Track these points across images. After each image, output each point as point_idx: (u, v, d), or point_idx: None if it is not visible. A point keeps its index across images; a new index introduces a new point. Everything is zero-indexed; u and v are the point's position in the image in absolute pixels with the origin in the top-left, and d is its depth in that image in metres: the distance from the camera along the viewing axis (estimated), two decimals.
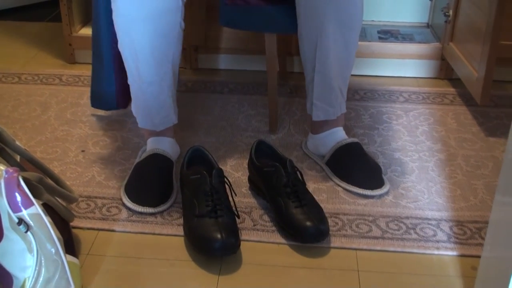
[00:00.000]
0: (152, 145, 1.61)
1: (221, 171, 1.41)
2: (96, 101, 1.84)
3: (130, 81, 1.56)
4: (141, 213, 1.46)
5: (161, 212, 1.47)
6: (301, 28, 1.58)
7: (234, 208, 1.38)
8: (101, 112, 1.93)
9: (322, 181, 1.60)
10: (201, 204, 1.34)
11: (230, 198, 1.40)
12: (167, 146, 1.61)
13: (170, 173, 1.56)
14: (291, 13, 1.62)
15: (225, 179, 1.41)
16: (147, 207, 1.46)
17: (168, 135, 1.64)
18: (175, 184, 1.55)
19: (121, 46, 1.51)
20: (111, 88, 1.77)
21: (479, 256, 1.18)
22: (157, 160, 1.55)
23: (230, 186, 1.42)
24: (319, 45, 1.54)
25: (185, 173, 1.45)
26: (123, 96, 1.82)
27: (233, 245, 1.30)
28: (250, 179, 1.57)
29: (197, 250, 1.32)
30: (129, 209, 1.47)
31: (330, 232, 1.39)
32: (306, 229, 1.34)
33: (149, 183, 1.50)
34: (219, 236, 1.28)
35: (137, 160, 1.61)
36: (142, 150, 1.67)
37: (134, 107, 1.60)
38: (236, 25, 1.78)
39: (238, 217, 1.39)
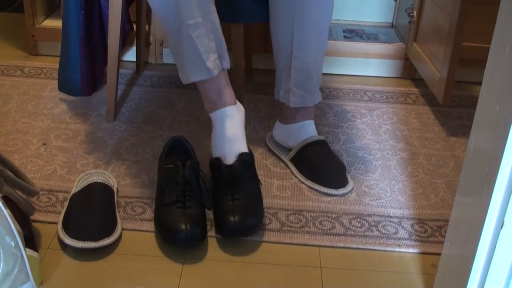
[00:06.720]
0: (219, 121, 1.46)
1: (196, 163, 1.41)
2: (63, 85, 1.84)
3: (171, 34, 1.43)
4: (82, 248, 1.28)
5: (105, 246, 1.31)
6: (275, 15, 1.58)
7: (204, 201, 1.39)
8: (63, 105, 1.90)
9: (286, 178, 1.61)
10: (171, 194, 1.35)
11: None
12: (236, 117, 1.46)
13: (111, 203, 1.42)
14: (261, 1, 1.63)
15: (200, 172, 1.42)
16: (89, 242, 1.29)
17: (230, 102, 1.47)
18: (118, 216, 1.41)
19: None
20: (76, 75, 1.77)
21: (439, 254, 1.20)
22: (95, 190, 1.42)
23: (203, 179, 1.42)
24: (296, 31, 1.54)
25: (161, 162, 1.47)
26: (88, 83, 1.81)
27: (197, 237, 1.31)
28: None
29: (162, 239, 1.34)
30: (68, 245, 1.29)
31: (293, 229, 1.40)
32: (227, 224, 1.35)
33: (88, 216, 1.35)
34: (183, 227, 1.29)
35: (76, 190, 1.44)
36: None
37: (179, 63, 1.46)
38: None
39: (209, 209, 1.39)
